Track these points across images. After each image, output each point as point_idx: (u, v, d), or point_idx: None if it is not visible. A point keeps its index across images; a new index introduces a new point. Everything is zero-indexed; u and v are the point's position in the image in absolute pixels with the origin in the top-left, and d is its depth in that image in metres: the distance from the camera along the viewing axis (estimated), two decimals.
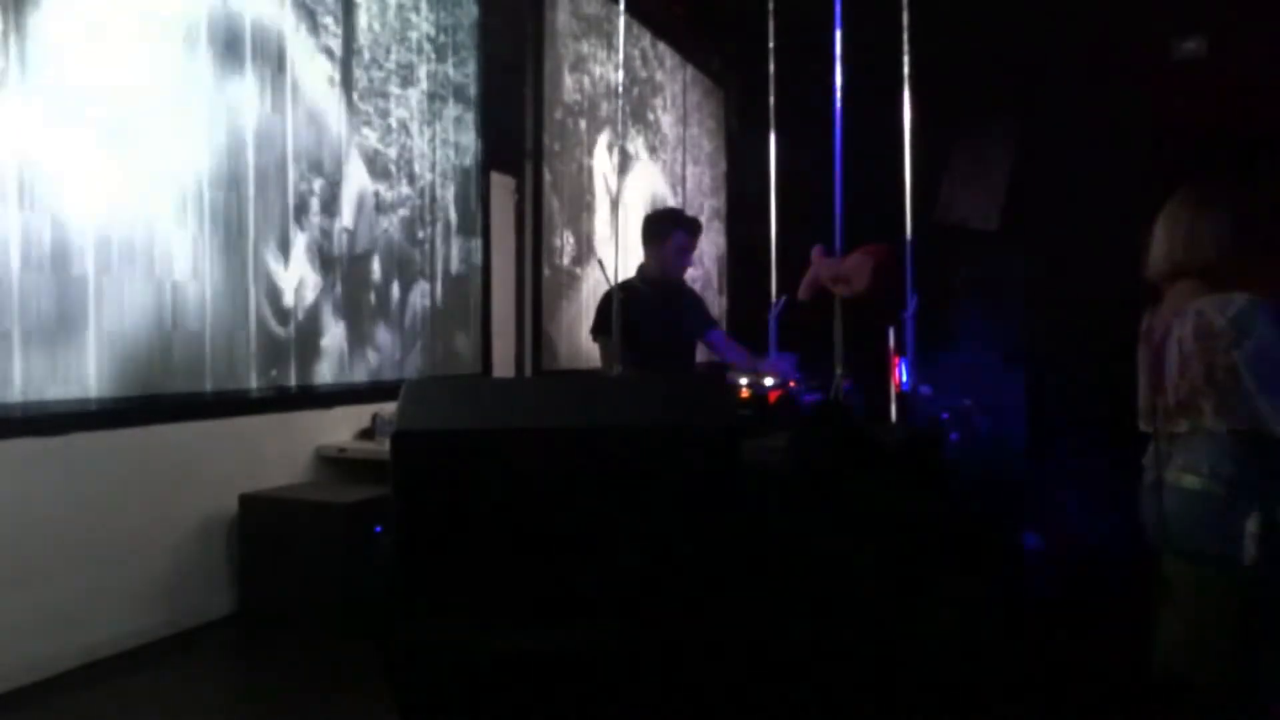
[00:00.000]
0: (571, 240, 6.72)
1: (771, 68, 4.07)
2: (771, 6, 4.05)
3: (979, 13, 7.29)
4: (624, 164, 7.31)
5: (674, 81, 8.50)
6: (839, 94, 3.68)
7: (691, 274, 4.54)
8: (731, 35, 8.60)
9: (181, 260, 3.83)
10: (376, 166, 4.92)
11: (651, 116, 7.98)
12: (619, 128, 6.14)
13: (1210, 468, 2.22)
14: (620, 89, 4.56)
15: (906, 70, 3.54)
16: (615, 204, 6.97)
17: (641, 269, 4.22)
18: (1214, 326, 2.20)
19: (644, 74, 7.84)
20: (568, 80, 6.68)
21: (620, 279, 3.99)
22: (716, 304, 9.23)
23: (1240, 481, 2.17)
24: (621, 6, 4.34)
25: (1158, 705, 2.42)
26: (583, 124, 6.88)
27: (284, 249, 4.34)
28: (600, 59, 7.12)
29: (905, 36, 3.54)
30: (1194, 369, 2.23)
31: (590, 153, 6.99)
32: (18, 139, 3.24)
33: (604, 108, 7.11)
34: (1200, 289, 2.26)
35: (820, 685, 2.19)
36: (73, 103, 3.42)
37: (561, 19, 6.58)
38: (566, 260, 6.65)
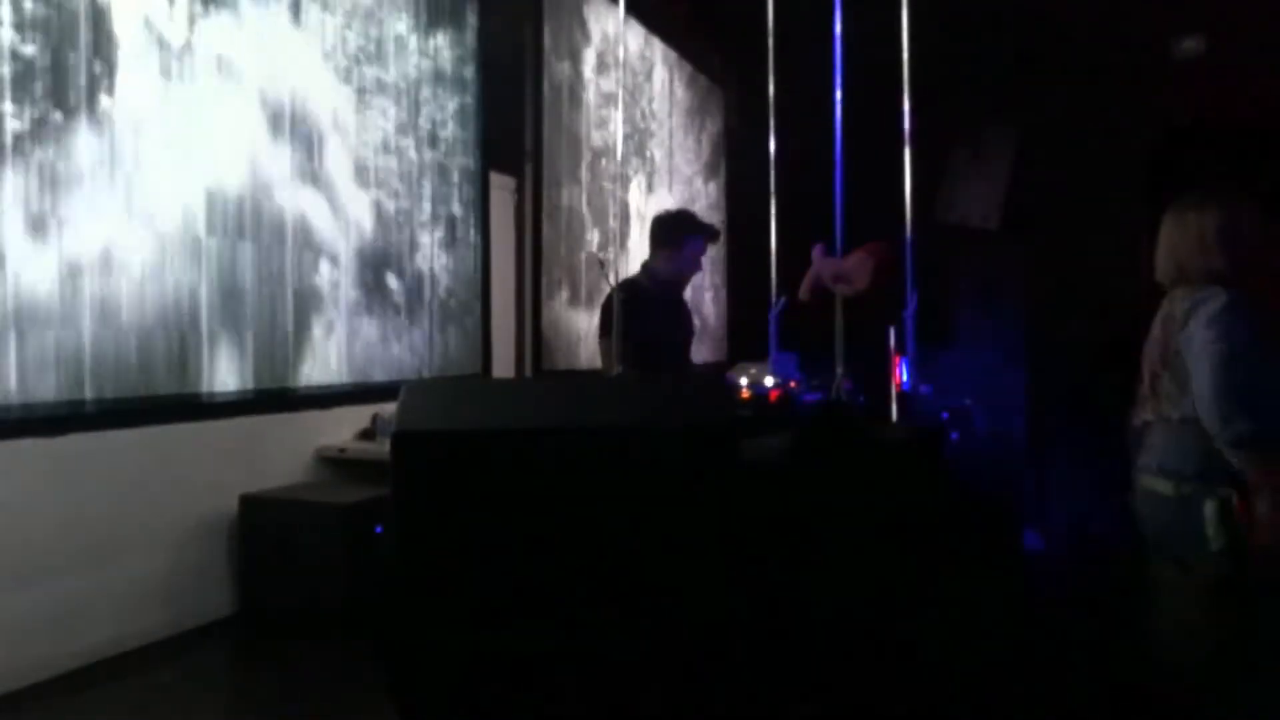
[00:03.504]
0: (570, 243, 6.72)
1: (771, 67, 4.06)
2: (771, 6, 4.04)
3: (979, 12, 7.28)
4: (624, 164, 7.30)
5: (673, 82, 8.50)
6: (839, 94, 3.68)
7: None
8: (731, 35, 8.59)
9: (184, 263, 3.83)
10: (376, 167, 4.92)
11: (651, 117, 7.97)
12: (619, 128, 6.13)
13: (1160, 463, 2.31)
14: (620, 91, 4.55)
15: (906, 69, 3.54)
16: (615, 204, 6.96)
17: (649, 268, 4.17)
18: (1175, 312, 2.31)
19: (643, 74, 7.84)
20: (567, 84, 6.68)
21: (623, 277, 3.98)
22: (712, 303, 9.24)
23: (1194, 474, 2.23)
24: (621, 6, 4.34)
25: (1153, 705, 2.45)
26: (581, 126, 6.88)
27: (283, 249, 4.34)
28: (599, 63, 7.12)
29: (905, 36, 3.54)
30: (1154, 353, 2.35)
31: (589, 154, 6.98)
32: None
33: (604, 109, 7.11)
34: (1192, 294, 2.33)
35: (820, 684, 2.19)
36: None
37: (559, 21, 6.58)
38: (564, 263, 6.65)
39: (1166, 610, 2.35)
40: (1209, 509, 2.18)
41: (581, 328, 6.71)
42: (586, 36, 6.96)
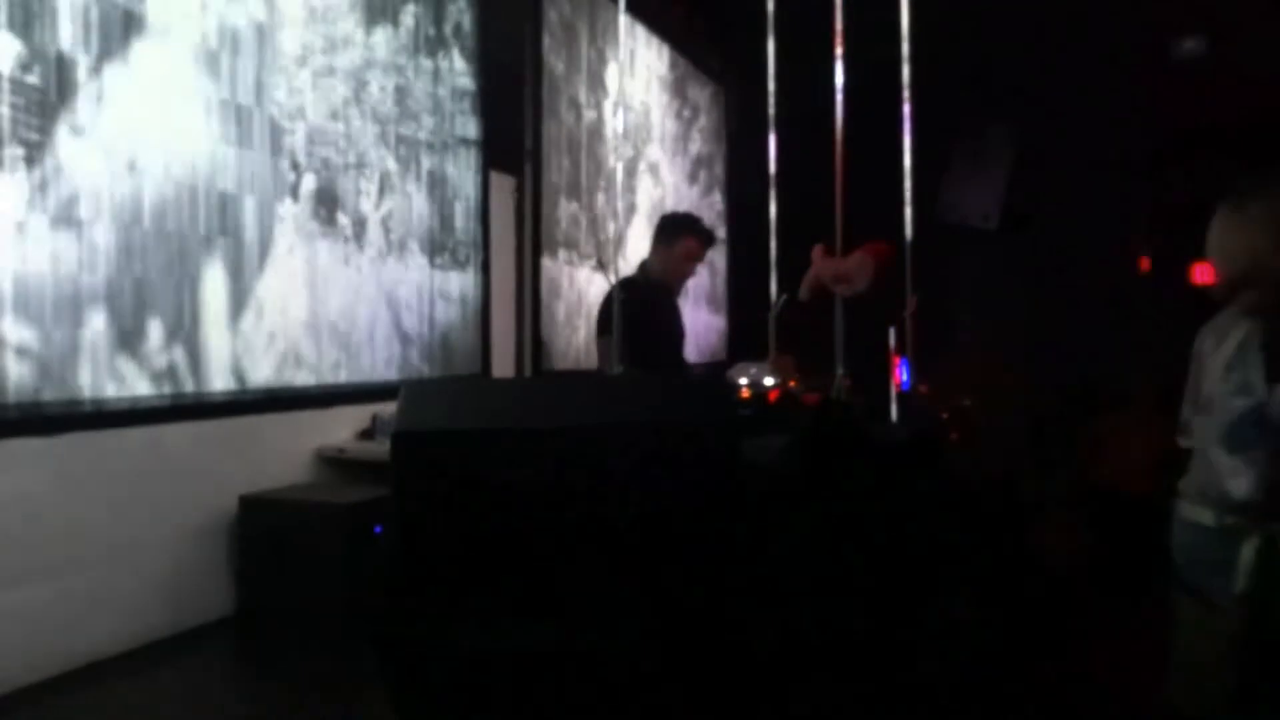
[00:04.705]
0: (570, 240, 6.72)
1: (771, 67, 4.06)
2: (771, 6, 4.04)
3: (980, 12, 7.29)
4: (625, 164, 7.31)
5: (674, 81, 8.50)
6: (839, 93, 3.68)
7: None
8: (731, 35, 8.60)
9: (185, 261, 3.84)
10: (375, 165, 4.92)
11: (653, 117, 7.98)
12: (620, 128, 6.14)
13: (1201, 489, 2.16)
14: (622, 90, 4.56)
15: (907, 69, 3.54)
16: (617, 204, 6.96)
17: (644, 266, 4.20)
18: (1202, 346, 2.18)
19: (643, 74, 7.84)
20: (568, 80, 6.68)
21: (623, 277, 3.99)
22: (713, 304, 9.24)
23: (1240, 506, 2.08)
24: (621, 6, 4.34)
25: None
26: (583, 124, 6.88)
27: (282, 247, 4.34)
28: (601, 60, 7.12)
29: (905, 35, 3.54)
30: (1193, 384, 2.22)
31: (590, 152, 6.98)
32: None
33: (606, 109, 7.11)
34: (1248, 299, 2.13)
35: (819, 687, 2.19)
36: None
37: (560, 18, 6.58)
38: (565, 260, 6.65)
39: (1185, 640, 2.23)
40: (1248, 549, 2.04)
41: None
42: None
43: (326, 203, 4.59)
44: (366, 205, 4.87)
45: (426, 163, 5.30)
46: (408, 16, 5.14)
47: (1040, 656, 3.51)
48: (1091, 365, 7.07)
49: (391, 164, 5.03)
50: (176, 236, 3.80)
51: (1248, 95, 7.02)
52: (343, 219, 4.70)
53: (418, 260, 5.22)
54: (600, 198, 7.08)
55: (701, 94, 9.18)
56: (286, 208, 4.35)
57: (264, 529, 4.02)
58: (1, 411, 3.22)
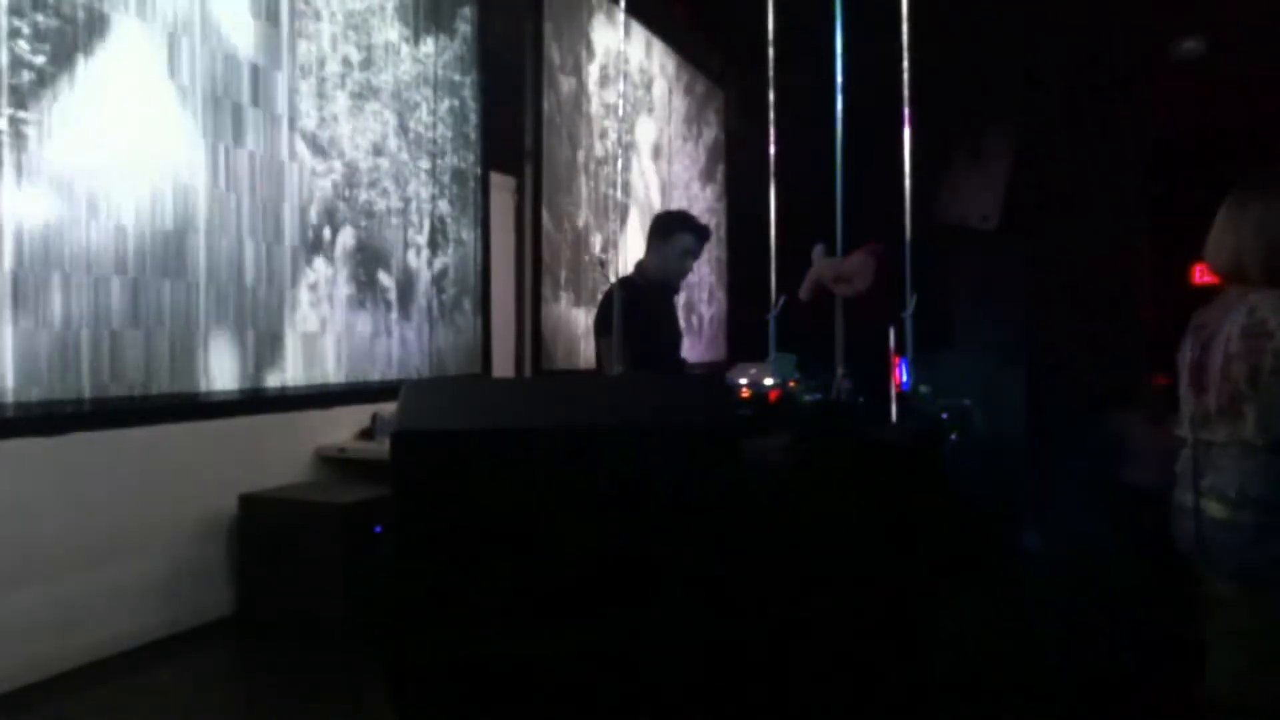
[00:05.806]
0: (571, 239, 6.72)
1: (771, 68, 4.07)
2: (771, 6, 4.05)
3: (979, 12, 7.29)
4: (625, 164, 7.31)
5: (673, 81, 8.50)
6: (839, 94, 3.68)
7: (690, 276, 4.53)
8: (731, 35, 8.60)
9: (187, 261, 3.84)
10: (374, 166, 4.92)
11: (652, 116, 7.97)
12: (619, 128, 6.14)
13: (1239, 490, 2.06)
14: (622, 90, 4.56)
15: (906, 69, 3.54)
16: (616, 204, 6.96)
17: (641, 266, 4.21)
18: (1266, 325, 2.04)
19: (644, 74, 7.84)
20: (568, 81, 6.68)
21: (621, 277, 3.99)
22: (713, 304, 9.24)
23: (1274, 504, 2.01)
24: (622, 6, 4.35)
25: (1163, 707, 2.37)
26: (582, 124, 6.88)
27: (284, 247, 4.34)
28: (600, 60, 7.11)
29: (905, 35, 3.54)
30: (1238, 371, 2.08)
31: (589, 153, 6.98)
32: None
33: (605, 108, 7.10)
34: (1259, 287, 2.10)
35: (820, 687, 2.19)
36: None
37: (565, 36, 6.58)
38: (565, 261, 6.65)
39: (1235, 631, 2.13)
40: None
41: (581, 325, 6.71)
42: (591, 52, 6.98)
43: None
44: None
45: (426, 163, 5.29)
46: (411, 17, 5.14)
47: (1043, 654, 3.51)
48: (1092, 364, 7.07)
49: (391, 165, 5.02)
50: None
51: (1247, 96, 7.02)
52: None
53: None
54: (586, 200, 7.07)
55: (699, 101, 9.16)
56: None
57: (264, 529, 4.03)
58: (2, 411, 3.22)
